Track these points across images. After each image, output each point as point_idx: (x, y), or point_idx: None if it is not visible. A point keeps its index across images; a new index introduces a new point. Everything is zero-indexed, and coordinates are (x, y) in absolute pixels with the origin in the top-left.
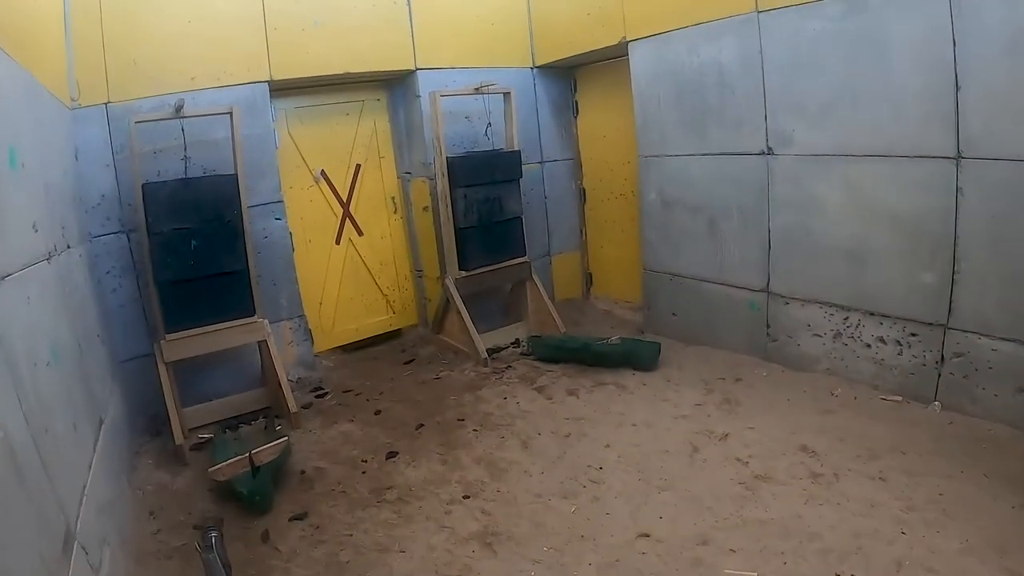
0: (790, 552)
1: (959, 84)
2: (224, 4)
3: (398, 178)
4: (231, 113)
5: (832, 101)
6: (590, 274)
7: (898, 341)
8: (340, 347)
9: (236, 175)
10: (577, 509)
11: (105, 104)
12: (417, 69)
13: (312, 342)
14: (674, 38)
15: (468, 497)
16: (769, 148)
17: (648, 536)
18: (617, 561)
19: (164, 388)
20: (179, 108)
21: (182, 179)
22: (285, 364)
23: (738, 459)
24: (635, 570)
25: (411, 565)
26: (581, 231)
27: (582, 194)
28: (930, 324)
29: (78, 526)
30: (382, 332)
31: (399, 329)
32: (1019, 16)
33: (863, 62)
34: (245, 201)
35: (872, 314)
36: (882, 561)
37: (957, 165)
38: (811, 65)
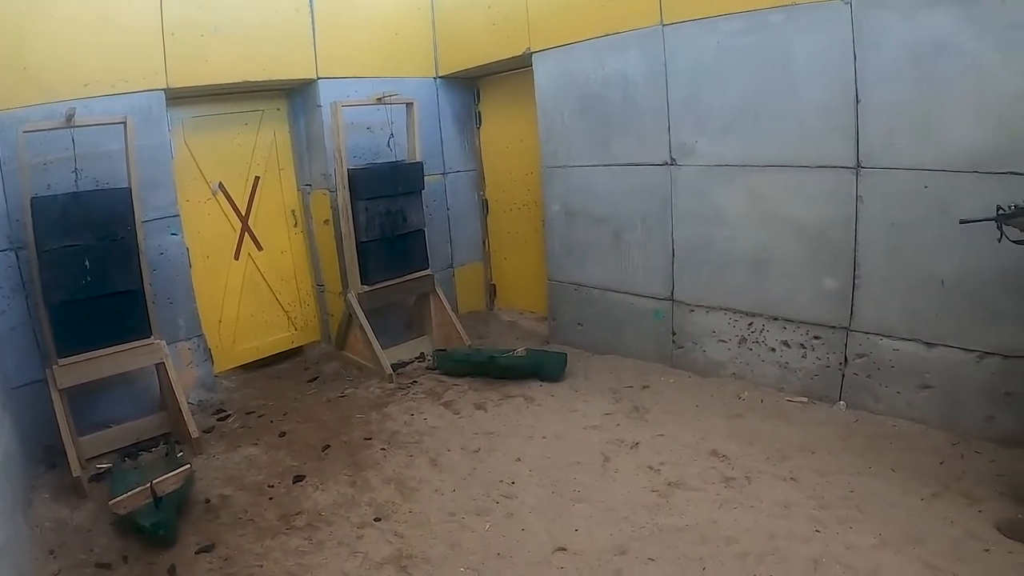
0: (708, 557)
1: (859, 98)
2: (120, 9)
3: (298, 190)
4: (125, 123)
5: (736, 113)
6: (494, 285)
7: (802, 344)
8: (241, 366)
9: (130, 188)
10: (491, 526)
11: None
12: (319, 78)
13: (212, 362)
14: (579, 50)
15: (380, 520)
16: (672, 159)
17: (565, 550)
18: None
19: (58, 416)
20: (70, 117)
21: (73, 193)
22: (185, 386)
23: (650, 467)
24: None
25: None
26: (484, 242)
27: (484, 205)
28: (833, 327)
29: None
30: (284, 349)
31: (301, 346)
32: (918, 34)
33: (767, 76)
34: (139, 216)
35: (776, 319)
36: (799, 560)
37: (857, 175)
38: (715, 78)
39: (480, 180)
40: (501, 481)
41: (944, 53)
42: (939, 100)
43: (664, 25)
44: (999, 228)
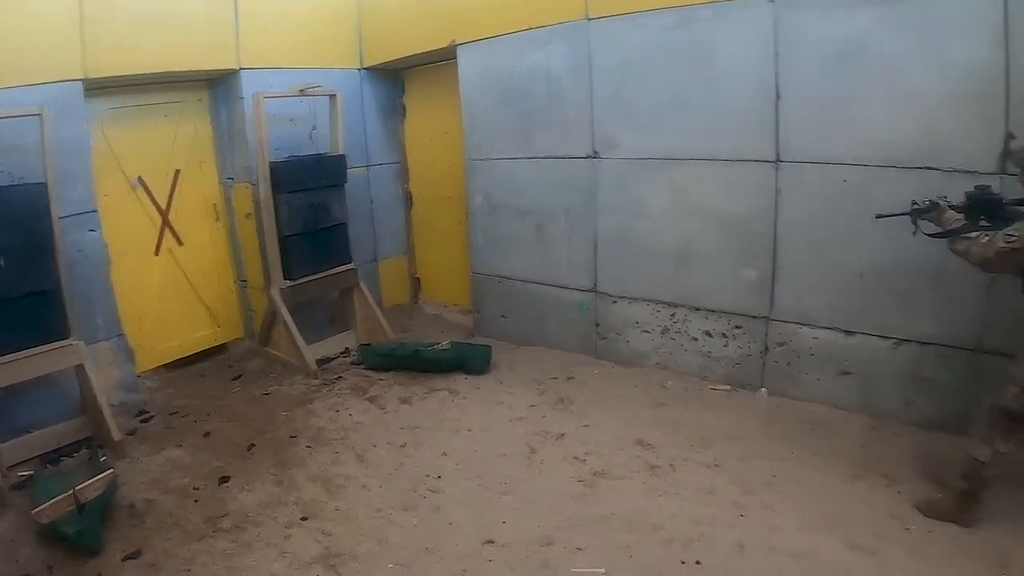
0: (635, 545)
1: (780, 94)
2: None
3: (220, 184)
4: (40, 115)
5: (661, 107)
6: (418, 279)
7: (724, 334)
8: (164, 366)
9: (46, 183)
10: (419, 521)
11: None
12: (241, 69)
13: (134, 362)
14: (504, 42)
15: (306, 519)
16: (596, 152)
17: (493, 542)
18: (464, 571)
19: None
20: None
21: None
22: (106, 387)
23: (576, 457)
24: None
25: None
26: (408, 236)
27: (409, 198)
28: (754, 317)
29: None
30: (208, 347)
31: (225, 343)
32: (838, 33)
33: (691, 71)
34: (56, 212)
35: (698, 309)
36: (724, 545)
37: (777, 169)
38: (640, 73)
39: (404, 173)
40: (427, 475)
41: (863, 51)
42: (858, 96)
43: (590, 19)
44: (914, 222)
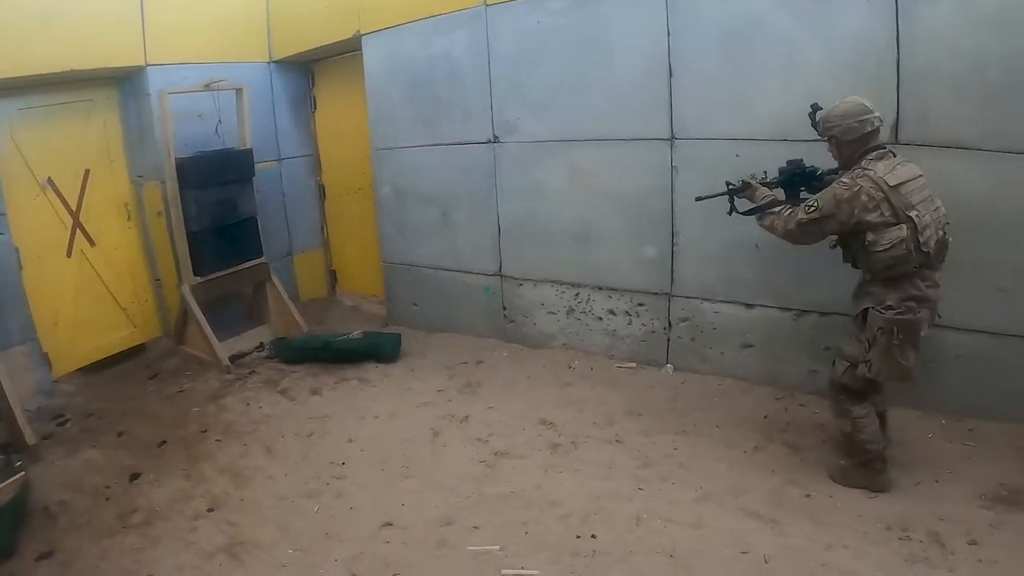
0: (532, 521)
1: (672, 72)
2: None
3: (131, 182)
4: None
5: (556, 90)
6: (334, 271)
7: (627, 312)
8: (82, 369)
9: None
10: (321, 507)
11: None
12: (148, 65)
13: (50, 367)
14: (407, 31)
15: (212, 510)
16: (495, 137)
17: (392, 525)
18: (362, 553)
19: None
20: None
21: None
22: (22, 393)
23: (478, 439)
24: (381, 560)
25: None
26: (322, 228)
27: (322, 191)
28: (656, 294)
29: None
30: (125, 348)
31: (144, 343)
32: (731, 11)
33: (586, 53)
34: None
35: (601, 289)
36: (622, 518)
37: (671, 146)
38: (536, 57)
39: (316, 165)
40: (332, 463)
41: (755, 27)
42: (749, 72)
43: (488, 5)
44: (730, 202)
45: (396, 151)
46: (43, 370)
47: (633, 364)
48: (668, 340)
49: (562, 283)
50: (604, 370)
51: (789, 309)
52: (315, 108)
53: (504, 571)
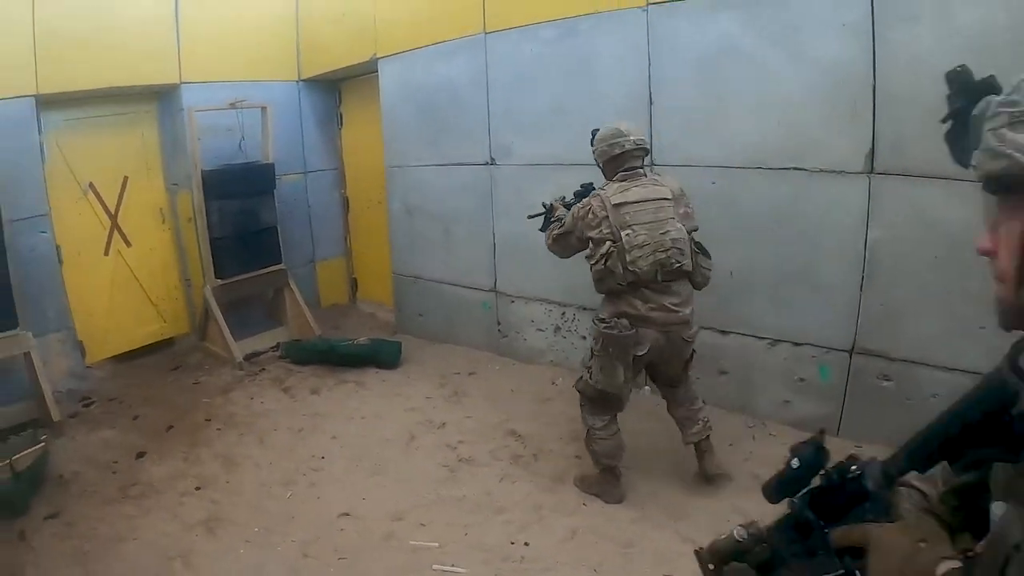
0: (474, 524)
1: (652, 99)
2: None
3: (166, 190)
4: None
5: (547, 115)
6: (355, 279)
7: None
8: (114, 357)
9: None
10: (293, 495)
11: None
12: (182, 83)
13: (83, 353)
14: (416, 56)
15: (200, 488)
16: (492, 159)
17: (349, 515)
18: (318, 538)
19: None
20: None
21: None
22: (55, 376)
23: (448, 445)
24: (332, 545)
25: (142, 550)
26: (345, 238)
27: (345, 203)
28: None
29: None
30: (154, 341)
31: (172, 338)
32: (706, 38)
33: (572, 80)
34: (6, 216)
35: (585, 309)
36: (558, 530)
37: (650, 172)
38: (529, 83)
39: (341, 179)
40: (313, 456)
41: (729, 54)
42: (725, 100)
43: (487, 33)
44: (545, 219)
45: (405, 169)
46: (76, 356)
47: None
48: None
49: (550, 302)
50: None
51: (762, 338)
52: (342, 125)
53: (435, 566)
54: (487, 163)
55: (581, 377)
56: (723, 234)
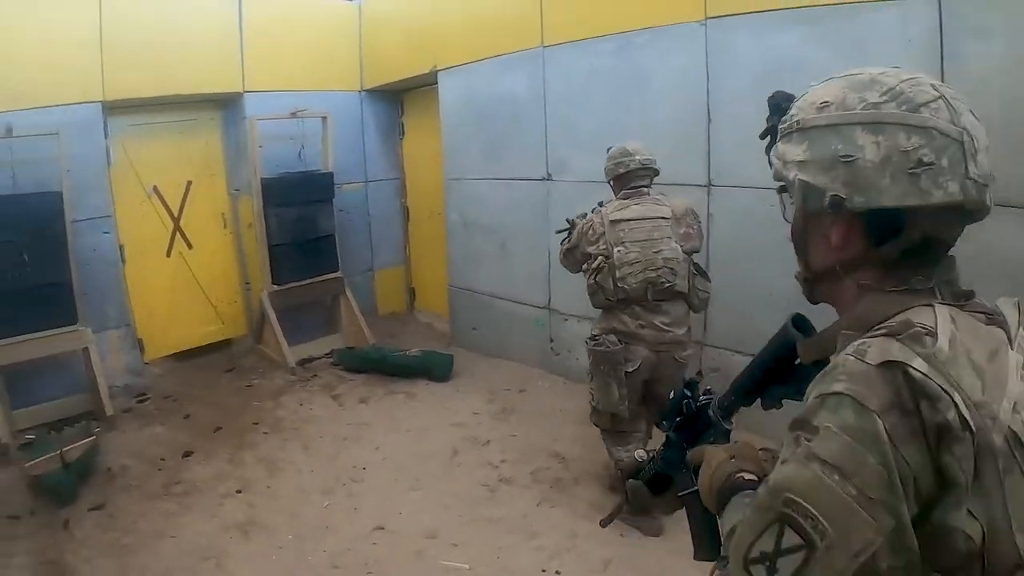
0: (507, 548)
1: (711, 117)
2: (60, 29)
3: (229, 195)
4: (57, 134)
5: (602, 131)
6: (413, 289)
7: None
8: (173, 355)
9: (61, 192)
10: (330, 504)
11: None
12: (245, 92)
13: (142, 350)
14: (476, 69)
15: (240, 491)
16: (549, 174)
17: (383, 529)
18: (349, 550)
19: None
20: (9, 130)
21: (8, 195)
22: (113, 371)
23: (490, 463)
24: (363, 557)
25: (177, 548)
26: (405, 248)
27: (406, 212)
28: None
29: None
30: (212, 342)
31: (229, 339)
32: (768, 54)
33: (629, 96)
34: (70, 216)
35: None
36: (593, 560)
37: (708, 193)
38: (585, 97)
39: (402, 189)
40: (355, 466)
41: (792, 71)
42: None
43: (544, 47)
44: (568, 235)
45: (463, 181)
46: (135, 353)
47: None
48: None
49: None
50: None
51: None
52: (403, 135)
53: None
54: (543, 178)
55: (590, 404)
56: (777, 256)
